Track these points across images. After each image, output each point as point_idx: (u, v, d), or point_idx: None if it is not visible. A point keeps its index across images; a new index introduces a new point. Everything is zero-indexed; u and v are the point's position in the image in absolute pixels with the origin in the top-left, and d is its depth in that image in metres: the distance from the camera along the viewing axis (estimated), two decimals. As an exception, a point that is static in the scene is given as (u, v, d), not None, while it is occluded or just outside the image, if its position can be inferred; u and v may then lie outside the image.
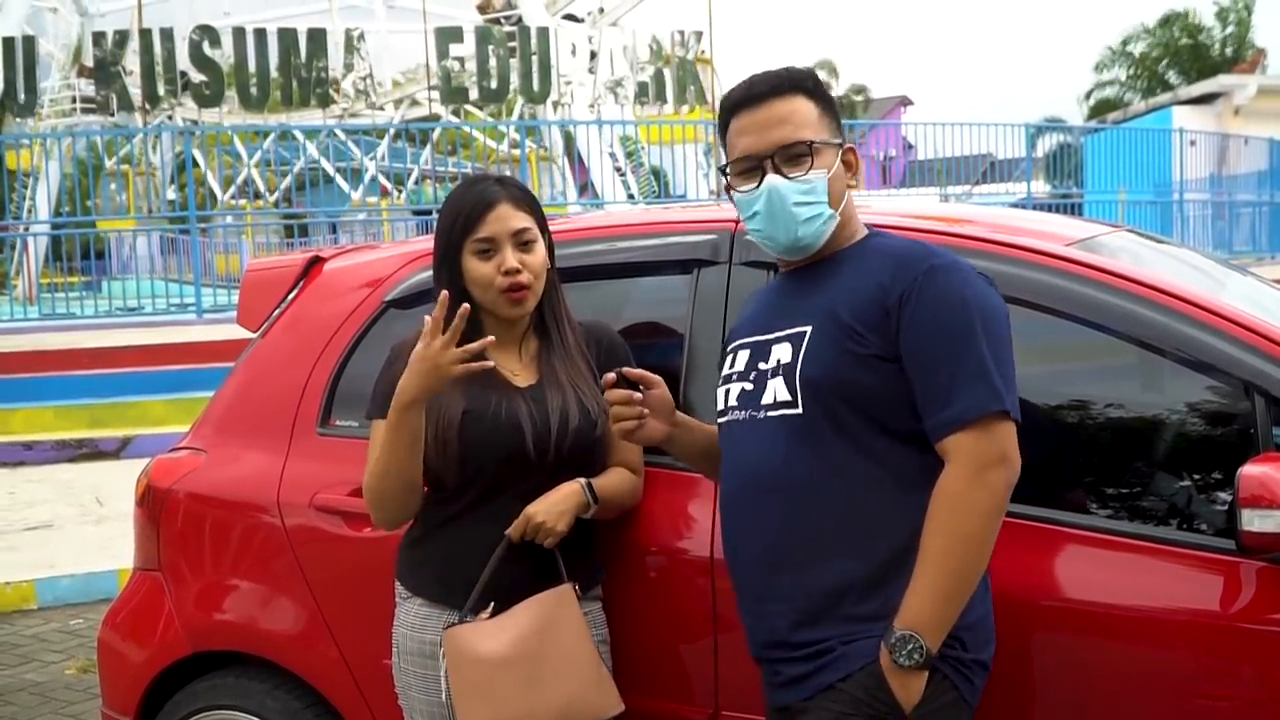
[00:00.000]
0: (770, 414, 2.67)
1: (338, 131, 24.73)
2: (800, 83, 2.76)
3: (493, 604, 3.04)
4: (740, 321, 2.93)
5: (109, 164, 24.33)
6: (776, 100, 2.73)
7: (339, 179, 25.68)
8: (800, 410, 2.62)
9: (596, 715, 3.06)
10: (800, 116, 2.72)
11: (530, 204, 3.15)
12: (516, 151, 25.82)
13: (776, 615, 2.67)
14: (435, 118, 26.39)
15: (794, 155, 2.71)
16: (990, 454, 2.48)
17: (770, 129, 2.73)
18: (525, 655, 3.00)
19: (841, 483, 2.60)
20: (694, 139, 24.67)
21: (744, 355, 2.79)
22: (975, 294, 2.57)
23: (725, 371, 2.84)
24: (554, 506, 3.03)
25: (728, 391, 2.80)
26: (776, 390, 2.66)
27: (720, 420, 2.83)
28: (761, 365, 2.72)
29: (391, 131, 25.27)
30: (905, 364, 2.56)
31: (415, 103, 28.51)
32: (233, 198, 25.94)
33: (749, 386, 2.73)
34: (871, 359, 2.57)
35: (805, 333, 2.65)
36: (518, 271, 3.05)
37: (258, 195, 26.98)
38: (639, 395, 2.86)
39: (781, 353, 2.68)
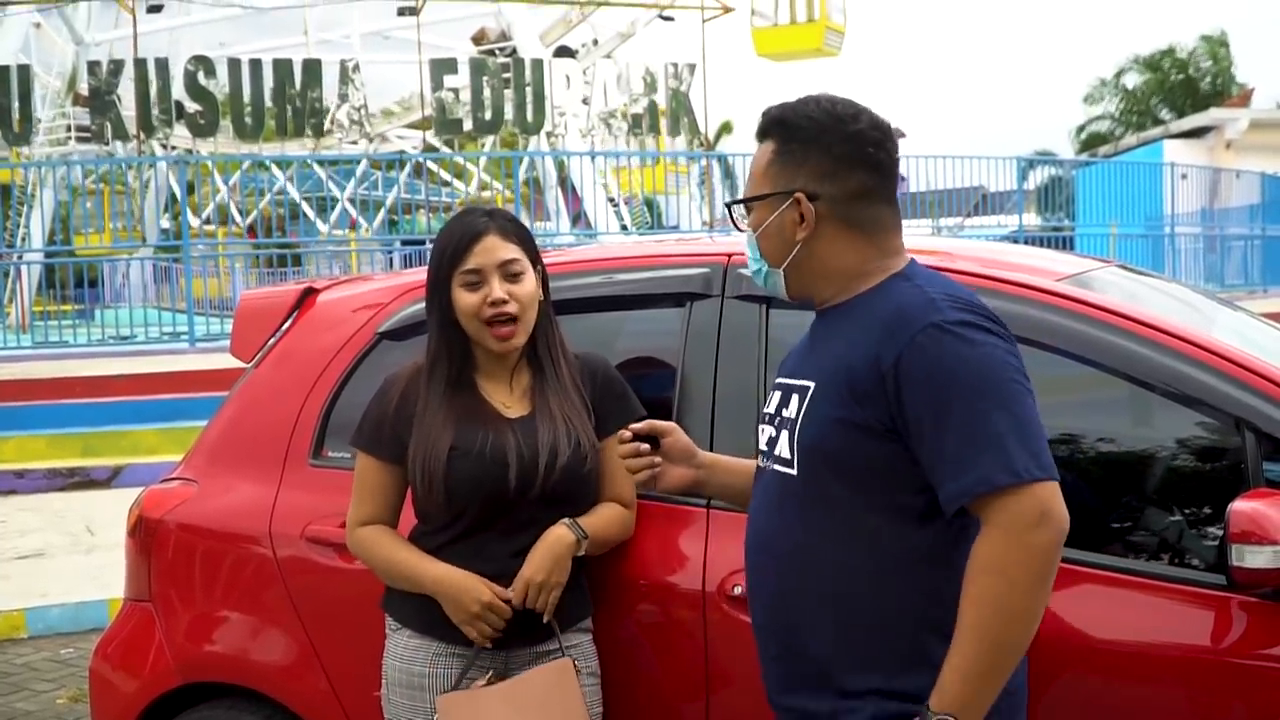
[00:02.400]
0: (775, 467, 2.59)
1: (312, 163, 24.76)
2: (768, 125, 2.62)
3: (491, 672, 3.05)
4: (786, 357, 2.77)
5: (85, 182, 24.21)
6: (758, 145, 2.64)
7: (307, 209, 25.68)
8: (795, 473, 2.52)
9: None
10: (754, 166, 2.63)
11: (520, 235, 3.16)
12: (485, 194, 25.71)
13: (771, 676, 2.63)
14: (400, 152, 26.41)
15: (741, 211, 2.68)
16: (1026, 516, 2.25)
17: (749, 174, 2.68)
18: None
19: (827, 554, 2.46)
20: (663, 191, 24.59)
21: (776, 397, 2.65)
22: (977, 353, 2.33)
23: (764, 409, 2.72)
24: (544, 560, 3.03)
25: (762, 433, 2.69)
26: (783, 445, 2.56)
27: (757, 461, 2.74)
28: (784, 412, 2.58)
29: (365, 162, 25.26)
30: (910, 436, 2.36)
31: (385, 139, 28.29)
32: (205, 223, 25.86)
33: (773, 433, 2.62)
34: (865, 429, 2.40)
35: (809, 390, 2.50)
36: (504, 301, 3.06)
37: (233, 221, 26.98)
38: (646, 447, 2.83)
39: (794, 405, 2.55)
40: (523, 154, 25.34)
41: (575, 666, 3.06)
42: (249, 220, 27.29)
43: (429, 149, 27.60)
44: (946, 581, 2.36)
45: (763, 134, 2.62)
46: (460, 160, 26.96)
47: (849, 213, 2.54)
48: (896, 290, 2.49)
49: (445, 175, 27.03)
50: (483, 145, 26.90)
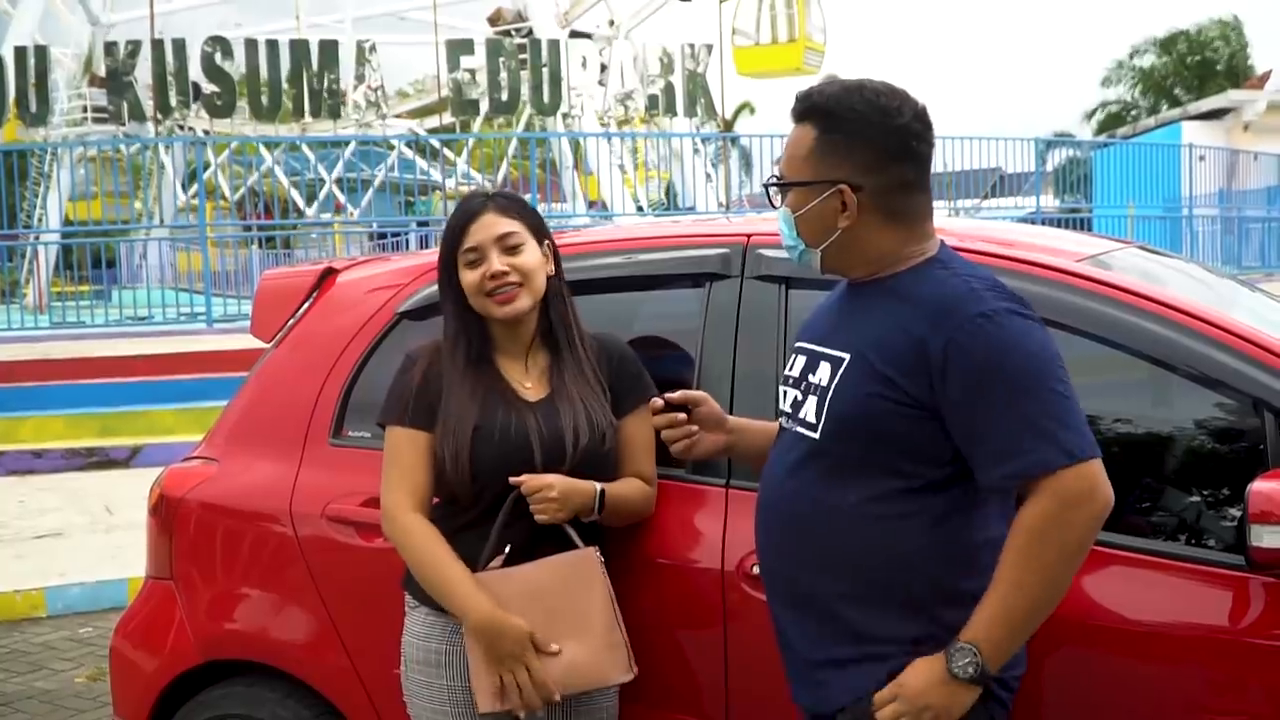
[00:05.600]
0: (798, 429, 2.69)
1: (302, 144, 24.70)
2: (808, 109, 2.66)
3: (509, 546, 3.05)
4: (808, 321, 2.88)
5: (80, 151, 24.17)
6: (794, 124, 2.67)
7: (294, 194, 25.67)
8: (818, 438, 2.62)
9: (604, 680, 3.08)
10: (794, 149, 2.66)
11: (519, 211, 3.20)
12: (465, 188, 25.40)
13: (785, 627, 2.74)
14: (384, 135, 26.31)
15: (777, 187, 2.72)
16: (1077, 492, 2.40)
17: (785, 153, 2.70)
18: (539, 609, 3.01)
19: (839, 515, 2.59)
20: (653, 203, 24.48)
21: (801, 361, 2.76)
22: (1025, 341, 2.46)
23: (786, 372, 2.83)
24: (569, 488, 3.03)
25: (785, 395, 2.80)
26: (809, 410, 2.66)
27: (780, 422, 2.84)
28: (810, 377, 2.69)
29: (353, 144, 25.17)
30: (952, 418, 2.48)
31: (370, 127, 27.93)
32: (194, 197, 25.80)
33: (799, 396, 2.73)
34: (901, 406, 2.51)
35: (843, 361, 2.60)
36: (505, 273, 3.10)
37: (221, 196, 26.97)
38: (683, 416, 2.91)
39: (824, 373, 2.64)
40: (512, 135, 25.26)
41: (598, 556, 3.09)
42: (237, 196, 27.22)
43: (424, 133, 27.42)
44: (953, 543, 2.55)
45: (802, 117, 2.66)
46: (436, 145, 26.73)
47: (890, 204, 2.62)
48: (938, 277, 2.59)
49: (422, 164, 26.82)
50: (499, 126, 26.79)
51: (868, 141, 2.59)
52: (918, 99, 2.67)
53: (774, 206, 2.75)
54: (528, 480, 3.01)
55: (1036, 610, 2.45)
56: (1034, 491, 2.42)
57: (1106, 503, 2.43)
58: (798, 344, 2.82)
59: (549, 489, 3.01)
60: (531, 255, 3.15)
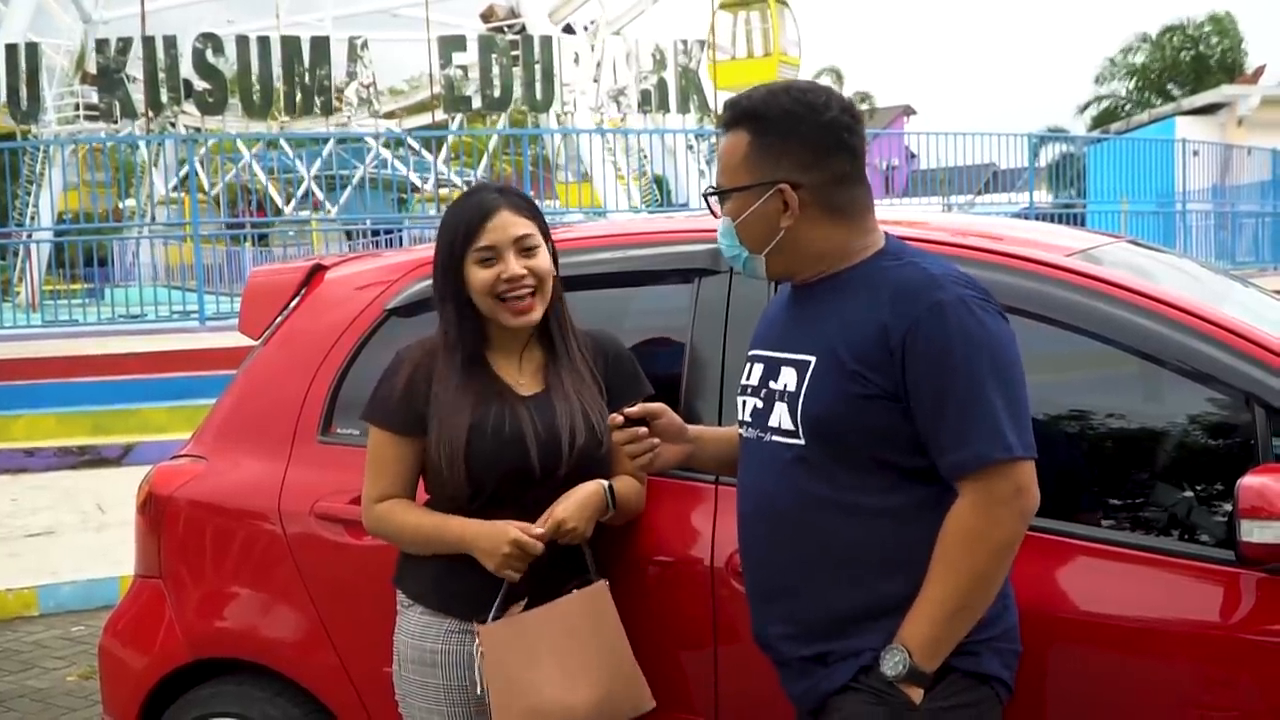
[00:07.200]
0: (775, 439, 2.66)
1: (283, 142, 24.69)
2: (739, 115, 2.67)
3: (526, 599, 3.05)
4: (758, 329, 2.88)
5: (72, 149, 24.18)
6: (724, 135, 2.70)
7: (272, 190, 25.66)
8: (803, 442, 2.60)
9: (636, 710, 3.09)
10: (727, 158, 2.68)
11: (531, 210, 3.15)
12: (444, 191, 25.37)
13: (776, 639, 2.72)
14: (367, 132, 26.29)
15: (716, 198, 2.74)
16: (1003, 491, 2.44)
17: (720, 163, 2.72)
18: (563, 651, 3.01)
19: (838, 516, 2.58)
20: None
21: (758, 369, 2.75)
22: (980, 331, 2.48)
23: (742, 381, 2.81)
24: (579, 509, 3.02)
25: (744, 404, 2.79)
26: (782, 417, 2.64)
27: (739, 432, 2.82)
28: (771, 384, 2.68)
29: (332, 141, 25.13)
30: (911, 405, 2.50)
31: (347, 125, 27.75)
32: (174, 190, 25.77)
33: (760, 404, 2.71)
34: (875, 399, 2.51)
35: (809, 364, 2.60)
36: (522, 277, 3.06)
37: (201, 190, 27.00)
38: (644, 430, 2.86)
39: (788, 378, 2.64)
40: (494, 131, 25.20)
41: (608, 589, 3.09)
42: (214, 191, 27.21)
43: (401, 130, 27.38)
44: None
45: (732, 124, 2.68)
46: (414, 144, 26.62)
47: (829, 198, 2.64)
48: (892, 268, 2.61)
49: (396, 161, 26.72)
50: (491, 123, 26.76)
51: (800, 138, 2.62)
52: (843, 95, 2.72)
53: (716, 216, 2.76)
54: (543, 534, 2.99)
55: (966, 609, 2.49)
56: (965, 487, 2.47)
57: (1031, 505, 2.48)
58: (752, 352, 2.82)
59: (564, 524, 3.00)
60: (545, 259, 3.12)
